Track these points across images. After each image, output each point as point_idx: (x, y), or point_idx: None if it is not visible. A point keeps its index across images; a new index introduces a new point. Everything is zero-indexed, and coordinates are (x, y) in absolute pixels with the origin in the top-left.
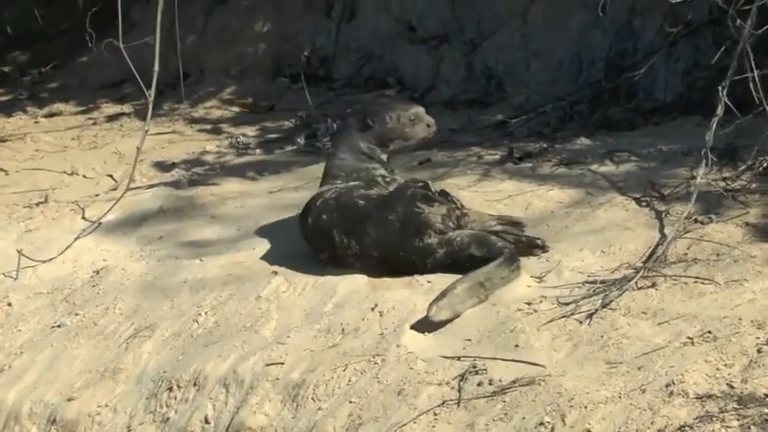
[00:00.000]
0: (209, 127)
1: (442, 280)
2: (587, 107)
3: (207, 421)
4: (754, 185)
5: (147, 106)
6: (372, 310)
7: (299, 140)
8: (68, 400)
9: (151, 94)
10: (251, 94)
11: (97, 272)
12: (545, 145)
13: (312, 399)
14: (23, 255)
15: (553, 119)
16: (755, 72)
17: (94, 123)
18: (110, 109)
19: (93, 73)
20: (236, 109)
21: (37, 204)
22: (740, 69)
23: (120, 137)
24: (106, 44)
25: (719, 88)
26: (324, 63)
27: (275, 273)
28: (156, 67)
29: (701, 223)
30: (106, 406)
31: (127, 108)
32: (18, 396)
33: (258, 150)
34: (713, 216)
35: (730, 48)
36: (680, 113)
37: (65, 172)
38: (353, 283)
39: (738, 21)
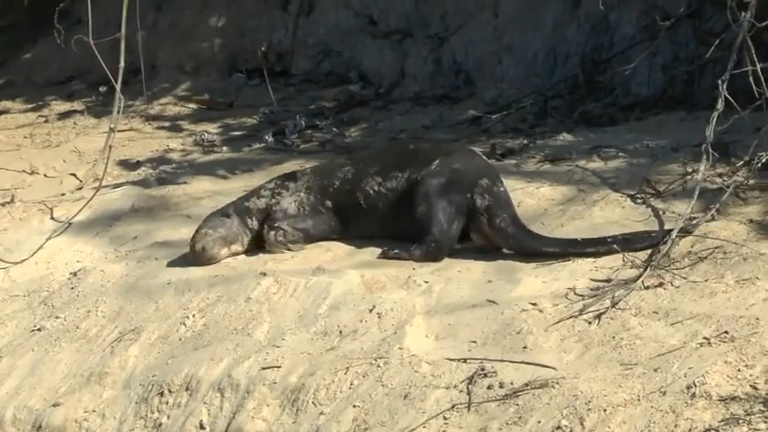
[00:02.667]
0: (167, 124)
1: (440, 280)
2: (564, 102)
3: (202, 427)
4: (752, 181)
5: (99, 104)
6: (370, 311)
7: (266, 138)
8: (54, 405)
9: (118, 90)
10: (207, 90)
11: (74, 273)
12: (525, 141)
13: (313, 403)
14: None
15: (529, 114)
16: (758, 65)
17: (46, 121)
18: (60, 106)
19: (37, 70)
20: (193, 105)
21: (2, 205)
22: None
23: (75, 135)
24: (76, 40)
25: (719, 82)
26: (281, 58)
27: (264, 274)
28: (122, 63)
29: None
30: (93, 411)
31: (78, 105)
32: (0, 402)
33: (225, 148)
34: (714, 213)
35: (712, 42)
36: (662, 108)
37: (24, 171)
38: (347, 284)
39: (742, 14)
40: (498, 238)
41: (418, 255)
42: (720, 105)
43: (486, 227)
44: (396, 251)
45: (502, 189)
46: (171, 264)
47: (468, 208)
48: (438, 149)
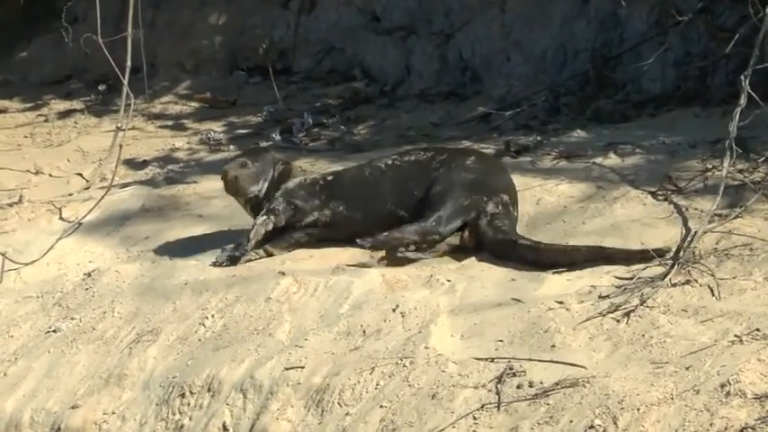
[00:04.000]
0: (170, 123)
1: (462, 279)
2: (576, 99)
3: (225, 428)
4: None
5: (99, 103)
6: (393, 311)
7: (274, 136)
8: (72, 407)
9: (125, 88)
10: (208, 88)
11: (88, 274)
12: (539, 138)
13: (338, 404)
14: (8, 258)
15: (540, 111)
16: None
17: (46, 120)
18: (59, 105)
19: (33, 69)
20: (195, 104)
21: (10, 205)
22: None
23: (77, 134)
24: (85, 39)
25: (742, 77)
26: (282, 56)
27: (282, 273)
28: (129, 62)
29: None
30: (113, 413)
31: (77, 104)
32: (17, 404)
33: (232, 146)
34: (738, 209)
35: (724, 37)
36: (675, 105)
37: (28, 171)
38: (368, 283)
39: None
40: (489, 231)
41: (411, 230)
42: (743, 101)
43: (485, 225)
44: (384, 235)
45: (516, 214)
46: (185, 263)
47: (477, 210)
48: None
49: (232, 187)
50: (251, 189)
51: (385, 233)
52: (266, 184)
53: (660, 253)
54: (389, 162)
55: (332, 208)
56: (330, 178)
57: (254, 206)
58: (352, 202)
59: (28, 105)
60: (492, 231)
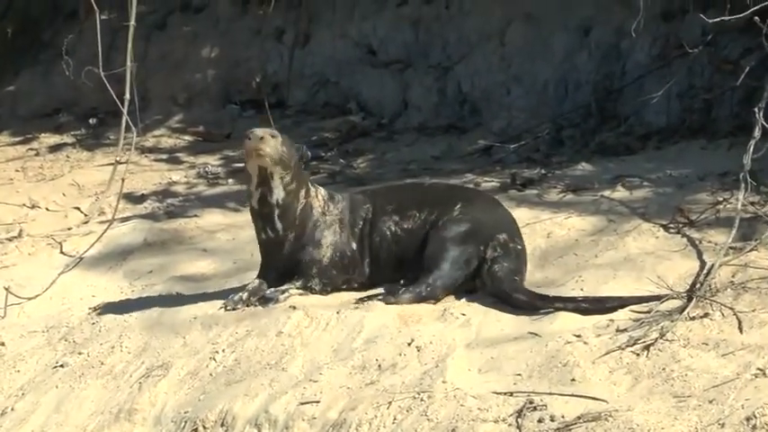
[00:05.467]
0: (165, 156)
1: (478, 312)
2: (578, 132)
3: None
4: None
5: (90, 136)
6: (409, 345)
7: None
8: None
9: (125, 119)
10: (201, 121)
11: (94, 308)
12: (543, 171)
13: None
14: (11, 293)
15: (542, 144)
16: None
17: (37, 154)
18: (49, 139)
19: (20, 102)
20: (188, 137)
21: (10, 239)
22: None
23: (70, 168)
24: (86, 72)
25: (756, 110)
26: (276, 89)
27: (293, 307)
28: (128, 96)
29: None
30: None
31: (68, 138)
32: None
33: (230, 180)
34: (753, 242)
35: (728, 69)
36: (680, 137)
37: (24, 205)
38: (381, 318)
39: None
40: (488, 280)
41: (407, 298)
42: (757, 133)
43: (485, 273)
44: (380, 296)
45: (519, 247)
46: (193, 298)
47: (477, 259)
48: (460, 193)
49: (254, 143)
50: (272, 156)
51: (380, 294)
52: (287, 174)
53: (659, 297)
54: (393, 229)
55: (358, 281)
56: (350, 255)
57: (263, 194)
58: (371, 275)
59: (18, 139)
60: (490, 281)
